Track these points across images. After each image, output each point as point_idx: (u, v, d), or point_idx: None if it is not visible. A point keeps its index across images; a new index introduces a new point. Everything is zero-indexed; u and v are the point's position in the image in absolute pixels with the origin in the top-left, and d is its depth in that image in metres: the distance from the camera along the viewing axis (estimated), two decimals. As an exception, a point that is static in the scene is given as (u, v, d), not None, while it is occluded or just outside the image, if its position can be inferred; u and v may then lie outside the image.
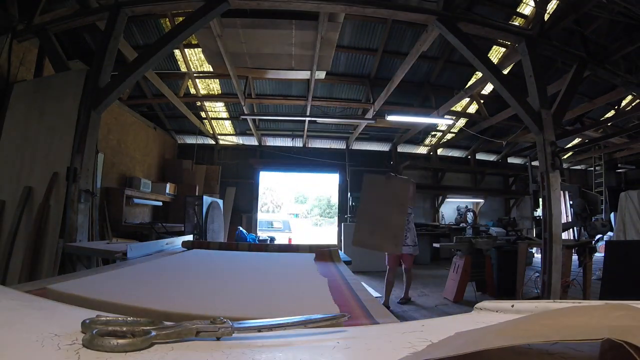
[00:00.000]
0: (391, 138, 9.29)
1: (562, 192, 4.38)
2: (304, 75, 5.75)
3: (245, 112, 7.22)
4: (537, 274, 3.92)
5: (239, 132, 9.11)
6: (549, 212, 3.43)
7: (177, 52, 6.19)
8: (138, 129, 6.78)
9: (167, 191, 6.89)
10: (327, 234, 18.79)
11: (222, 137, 9.18)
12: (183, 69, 6.61)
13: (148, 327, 0.42)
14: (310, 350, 0.44)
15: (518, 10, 5.46)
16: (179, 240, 2.07)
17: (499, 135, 8.31)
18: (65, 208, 3.04)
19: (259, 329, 0.47)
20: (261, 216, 10.94)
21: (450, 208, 9.84)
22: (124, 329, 0.42)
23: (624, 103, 7.07)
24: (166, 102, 7.11)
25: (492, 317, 0.49)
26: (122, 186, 5.91)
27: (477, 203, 9.85)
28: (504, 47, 6.10)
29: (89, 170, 3.21)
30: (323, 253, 1.72)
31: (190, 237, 2.50)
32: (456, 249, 4.78)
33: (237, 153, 9.20)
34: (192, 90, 7.20)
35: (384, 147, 9.61)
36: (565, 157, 9.20)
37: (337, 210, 10.16)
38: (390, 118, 6.69)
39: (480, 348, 0.29)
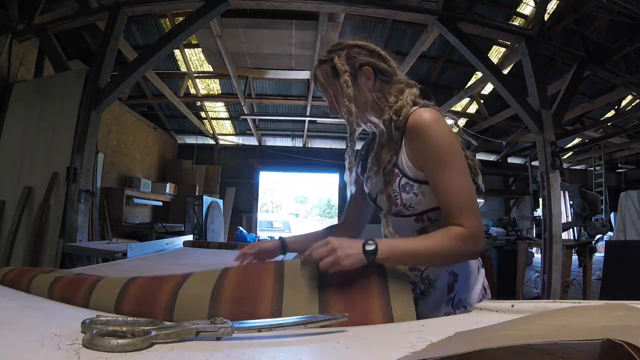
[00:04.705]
0: (391, 138, 9.27)
1: (562, 192, 4.37)
2: (304, 75, 5.75)
3: (245, 112, 7.22)
4: (537, 274, 3.92)
5: (239, 132, 9.11)
6: (549, 212, 3.43)
7: (177, 52, 6.19)
8: (138, 129, 6.78)
9: (167, 191, 6.89)
10: (327, 234, 18.74)
11: (222, 137, 9.18)
12: (183, 69, 6.61)
13: (148, 327, 0.42)
14: (310, 350, 0.44)
15: (518, 10, 5.46)
16: (179, 240, 2.08)
17: (499, 135, 8.31)
18: (65, 208, 3.04)
19: (259, 329, 0.47)
20: (261, 216, 10.93)
21: (450, 208, 9.83)
22: (124, 329, 0.42)
23: (624, 103, 7.06)
24: (166, 102, 7.10)
25: (492, 317, 0.49)
26: (122, 186, 5.90)
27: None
28: (504, 47, 6.10)
29: (89, 170, 3.21)
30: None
31: (190, 237, 2.50)
32: (456, 249, 4.78)
33: (237, 153, 9.20)
34: (192, 90, 7.20)
35: (384, 147, 9.60)
36: (565, 157, 9.19)
37: (337, 210, 10.16)
38: (390, 118, 6.68)
39: (480, 348, 0.29)
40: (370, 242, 0.68)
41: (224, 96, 7.40)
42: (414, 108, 0.82)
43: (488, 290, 0.93)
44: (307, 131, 8.65)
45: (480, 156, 9.96)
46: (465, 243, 0.73)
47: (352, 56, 0.87)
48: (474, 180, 0.86)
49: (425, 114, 0.79)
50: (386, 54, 0.91)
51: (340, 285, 0.66)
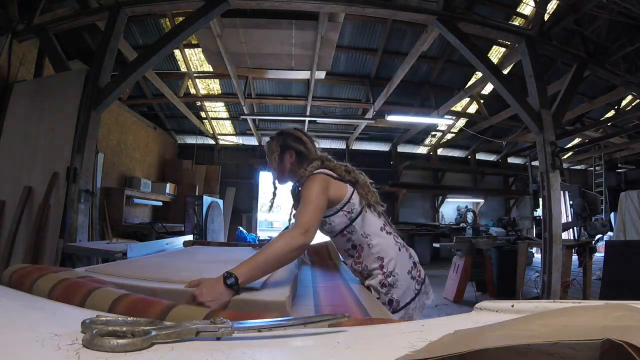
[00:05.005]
0: (391, 138, 9.29)
1: (562, 192, 4.37)
2: (304, 75, 5.75)
3: (245, 112, 7.22)
4: (537, 274, 3.92)
5: (239, 132, 9.11)
6: (549, 212, 3.43)
7: (177, 52, 6.19)
8: (138, 129, 6.78)
9: (167, 191, 6.89)
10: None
11: (222, 137, 9.18)
12: (183, 69, 6.61)
13: (148, 327, 0.42)
14: (310, 350, 0.44)
15: (518, 10, 5.46)
16: (178, 240, 2.08)
17: (499, 135, 8.31)
18: (65, 208, 3.04)
19: (259, 329, 0.47)
20: (261, 216, 10.91)
21: (450, 208, 9.84)
22: (124, 329, 0.42)
23: (624, 103, 7.07)
24: (166, 102, 7.10)
25: (492, 317, 0.48)
26: (122, 186, 5.90)
27: (477, 203, 9.85)
28: (504, 47, 6.10)
29: (89, 170, 3.21)
30: (321, 252, 1.72)
31: (190, 237, 2.50)
32: (456, 249, 4.78)
33: (237, 153, 9.20)
34: (192, 90, 7.20)
35: (384, 147, 9.61)
36: (565, 157, 9.20)
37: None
38: (390, 118, 6.69)
39: (480, 348, 0.29)
40: (228, 276, 0.84)
41: (224, 96, 7.41)
42: (310, 175, 1.22)
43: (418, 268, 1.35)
44: (307, 131, 8.62)
45: (480, 156, 9.97)
46: (292, 237, 1.01)
47: (283, 140, 1.36)
48: (378, 212, 1.30)
49: (308, 179, 1.19)
50: (307, 139, 1.38)
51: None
